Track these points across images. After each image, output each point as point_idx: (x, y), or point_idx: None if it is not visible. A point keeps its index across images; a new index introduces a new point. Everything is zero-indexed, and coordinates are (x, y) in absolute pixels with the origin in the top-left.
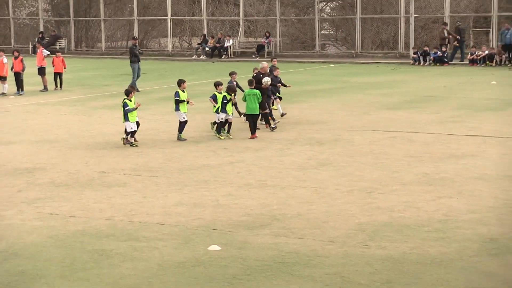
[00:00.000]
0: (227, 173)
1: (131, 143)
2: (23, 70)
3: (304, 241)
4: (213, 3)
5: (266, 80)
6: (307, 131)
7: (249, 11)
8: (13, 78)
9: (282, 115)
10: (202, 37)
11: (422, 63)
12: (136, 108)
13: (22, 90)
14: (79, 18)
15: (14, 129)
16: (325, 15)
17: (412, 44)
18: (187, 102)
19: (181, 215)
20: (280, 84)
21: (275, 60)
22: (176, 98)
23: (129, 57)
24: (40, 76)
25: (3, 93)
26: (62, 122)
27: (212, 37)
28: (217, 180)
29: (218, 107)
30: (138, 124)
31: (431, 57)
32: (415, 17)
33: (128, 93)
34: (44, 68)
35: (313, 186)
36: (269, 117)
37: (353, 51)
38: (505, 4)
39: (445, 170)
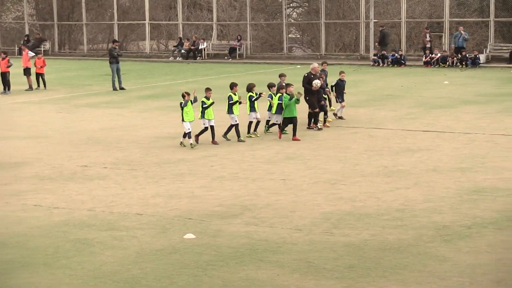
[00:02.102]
0: (201, 166)
1: (191, 144)
2: (9, 66)
3: (273, 229)
4: (188, 8)
5: (316, 82)
6: (275, 127)
7: (222, 16)
8: (0, 78)
9: (336, 116)
10: (178, 40)
11: (381, 65)
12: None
13: (9, 89)
14: (63, 22)
15: (1, 126)
16: (292, 20)
17: (372, 47)
18: (240, 103)
19: (159, 206)
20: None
21: (326, 64)
22: (230, 102)
23: (108, 58)
24: (25, 76)
25: None
26: (47, 119)
27: (188, 40)
28: (192, 173)
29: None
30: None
31: (389, 59)
32: (374, 22)
33: (232, 86)
34: (29, 68)
35: (281, 178)
36: (315, 117)
37: (318, 54)
38: (456, 10)
39: (402, 163)
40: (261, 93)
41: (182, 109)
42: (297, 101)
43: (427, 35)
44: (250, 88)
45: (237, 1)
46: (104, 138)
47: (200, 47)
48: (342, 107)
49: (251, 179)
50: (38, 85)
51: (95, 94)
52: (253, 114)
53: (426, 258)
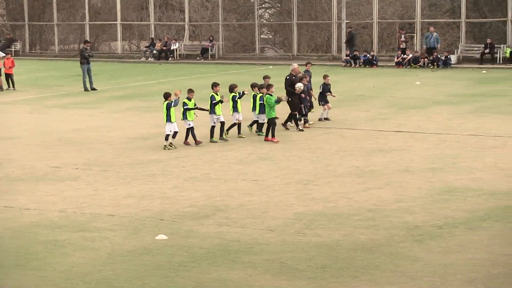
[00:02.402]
0: (173, 167)
1: (166, 145)
2: None
3: (245, 230)
4: (160, 9)
5: (299, 86)
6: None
7: (194, 16)
8: None
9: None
10: (150, 40)
11: (353, 65)
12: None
13: None
14: (34, 23)
15: None
16: (264, 21)
17: (344, 48)
18: (221, 102)
19: (130, 206)
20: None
21: (310, 64)
22: (213, 101)
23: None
24: None
25: None
26: (18, 120)
27: (160, 41)
28: (164, 174)
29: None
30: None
31: (361, 60)
32: (346, 23)
33: (214, 86)
34: (0, 69)
35: (253, 179)
36: (296, 119)
37: (290, 54)
38: (427, 11)
39: (374, 163)
40: (245, 91)
41: (168, 110)
42: (278, 102)
43: (402, 36)
44: (232, 88)
45: (209, 2)
46: (76, 139)
47: (172, 48)
48: (328, 108)
49: (223, 180)
50: (9, 86)
51: (67, 94)
52: (236, 115)
53: (398, 258)
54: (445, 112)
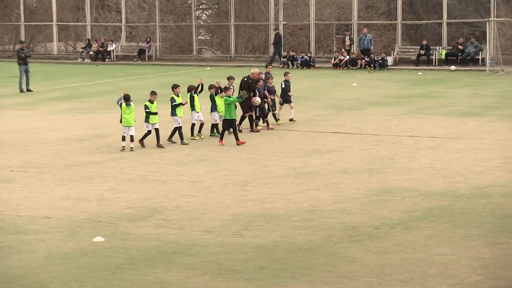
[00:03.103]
0: (110, 169)
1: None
2: None
3: (183, 231)
4: (97, 9)
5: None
6: (184, 129)
7: (131, 17)
8: None
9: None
10: (87, 41)
11: (291, 67)
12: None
13: None
14: None
15: None
16: (202, 22)
17: (281, 49)
18: (182, 104)
19: (67, 208)
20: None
21: (270, 67)
22: (173, 103)
23: (16, 60)
24: None
25: None
26: None
27: (96, 42)
28: (101, 176)
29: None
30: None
31: (299, 61)
32: (284, 24)
33: (174, 87)
34: None
35: (191, 180)
36: (253, 120)
37: (227, 55)
38: (364, 13)
39: (312, 164)
40: (200, 83)
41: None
42: (240, 98)
43: (347, 38)
44: (190, 89)
45: (146, 3)
46: (11, 140)
47: (108, 49)
48: (291, 108)
49: (161, 181)
50: None
51: (2, 96)
52: (195, 115)
53: (336, 258)
54: (382, 113)
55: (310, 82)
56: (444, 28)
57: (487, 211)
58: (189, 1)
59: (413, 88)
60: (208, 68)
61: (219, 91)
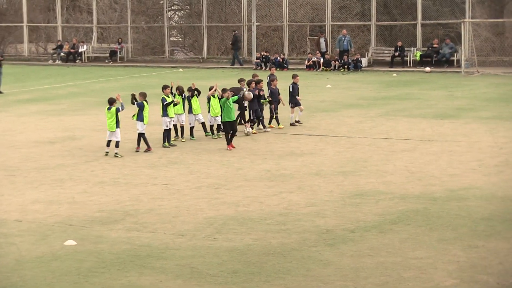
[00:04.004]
0: (82, 171)
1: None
2: None
3: (155, 235)
4: (68, 11)
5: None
6: (157, 131)
7: (102, 18)
8: None
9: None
10: (58, 43)
11: (264, 68)
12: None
13: None
14: None
15: None
16: (174, 23)
17: (254, 50)
18: (174, 104)
19: (38, 212)
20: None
21: (274, 68)
22: (165, 103)
23: None
24: None
25: None
26: None
27: (67, 43)
28: (72, 178)
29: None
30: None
31: (271, 63)
32: (256, 25)
33: (164, 88)
34: None
35: (163, 183)
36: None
37: (200, 57)
38: (338, 14)
39: (285, 167)
40: (193, 87)
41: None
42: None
43: (322, 40)
44: (186, 91)
45: (117, 4)
46: None
47: (80, 50)
48: (301, 110)
49: (133, 184)
50: None
51: None
52: (193, 117)
53: (310, 262)
54: (356, 115)
55: (283, 84)
56: (419, 29)
57: (462, 214)
58: (161, 2)
59: (387, 90)
60: (181, 70)
61: (196, 93)
